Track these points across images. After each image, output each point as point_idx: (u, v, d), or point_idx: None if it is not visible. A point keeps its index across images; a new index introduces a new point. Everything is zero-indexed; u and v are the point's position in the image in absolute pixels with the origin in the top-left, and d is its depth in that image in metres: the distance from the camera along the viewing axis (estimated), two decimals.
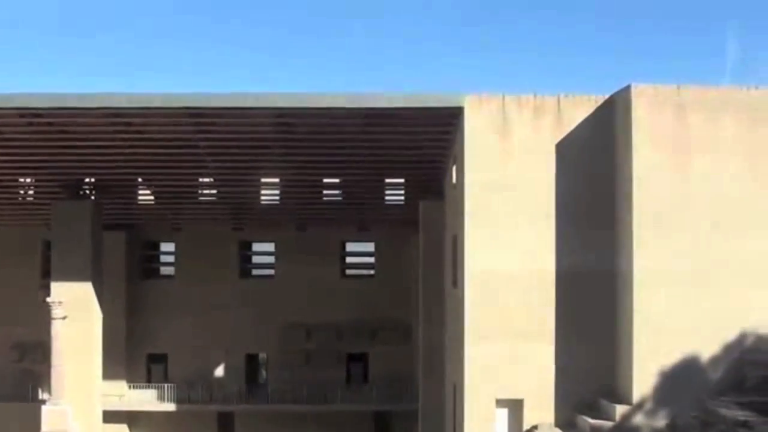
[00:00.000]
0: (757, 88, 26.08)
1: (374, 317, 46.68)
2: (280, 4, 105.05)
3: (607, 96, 27.03)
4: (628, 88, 25.95)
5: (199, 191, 42.06)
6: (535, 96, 27.05)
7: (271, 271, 49.03)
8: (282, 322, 47.04)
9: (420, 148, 32.78)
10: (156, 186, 40.77)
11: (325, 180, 40.13)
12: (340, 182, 40.27)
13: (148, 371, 47.87)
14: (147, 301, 47.21)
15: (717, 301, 25.11)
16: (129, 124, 30.68)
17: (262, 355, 49.61)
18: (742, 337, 25.20)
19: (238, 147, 33.03)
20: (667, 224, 25.26)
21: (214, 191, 41.80)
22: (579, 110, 27.00)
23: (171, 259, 49.05)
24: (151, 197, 42.29)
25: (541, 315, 26.65)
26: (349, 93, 28.04)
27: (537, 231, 26.67)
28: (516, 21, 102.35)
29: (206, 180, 40.18)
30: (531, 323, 26.64)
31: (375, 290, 46.93)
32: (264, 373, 49.94)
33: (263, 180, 40.40)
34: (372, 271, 48.91)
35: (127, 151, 33.42)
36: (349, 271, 49.72)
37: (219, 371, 47.98)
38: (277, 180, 40.25)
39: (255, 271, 50.54)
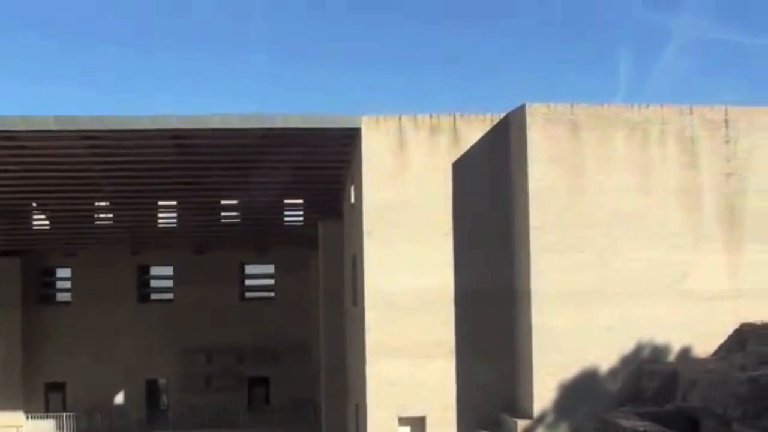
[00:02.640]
0: (648, 106, 26.66)
1: (275, 339, 46.46)
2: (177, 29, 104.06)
3: (502, 115, 27.35)
4: (522, 107, 26.29)
5: (96, 215, 41.34)
6: (431, 116, 27.24)
7: (170, 295, 48.47)
8: (182, 346, 46.56)
9: (318, 168, 32.75)
10: (51, 210, 39.96)
11: (223, 202, 39.81)
12: (238, 204, 39.98)
13: (46, 400, 46.83)
14: (43, 329, 46.24)
15: (614, 315, 25.55)
16: (23, 147, 30.01)
17: (163, 381, 48.95)
18: (639, 349, 25.67)
19: (134, 170, 32.56)
20: (563, 240, 25.60)
21: (110, 215, 41.14)
22: (475, 129, 27.27)
23: (68, 284, 48.17)
24: (46, 222, 41.42)
25: (442, 332, 26.78)
26: (245, 114, 27.83)
27: (436, 249, 26.82)
28: (411, 41, 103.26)
29: (102, 204, 39.52)
30: (431, 341, 26.73)
31: (275, 312, 46.72)
32: (165, 398, 49.25)
33: (160, 203, 39.88)
34: (272, 293, 48.67)
35: (20, 175, 32.68)
36: (248, 294, 49.40)
37: (119, 398, 47.20)
38: (174, 203, 39.78)
39: (153, 295, 49.90)
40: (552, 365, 25.32)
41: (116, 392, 47.17)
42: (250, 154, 31.04)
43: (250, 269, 49.34)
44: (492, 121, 27.37)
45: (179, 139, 29.32)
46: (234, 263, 47.62)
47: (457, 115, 27.36)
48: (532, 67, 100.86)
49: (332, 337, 35.93)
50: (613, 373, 25.54)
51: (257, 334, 46.48)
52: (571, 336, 25.36)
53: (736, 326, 26.00)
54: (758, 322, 25.69)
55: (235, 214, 41.63)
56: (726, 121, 26.82)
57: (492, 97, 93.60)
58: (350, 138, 28.22)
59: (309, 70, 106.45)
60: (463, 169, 27.10)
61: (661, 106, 26.70)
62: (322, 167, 32.60)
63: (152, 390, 48.81)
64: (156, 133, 28.55)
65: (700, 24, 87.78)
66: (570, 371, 25.41)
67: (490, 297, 26.84)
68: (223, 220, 42.11)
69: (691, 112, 26.72)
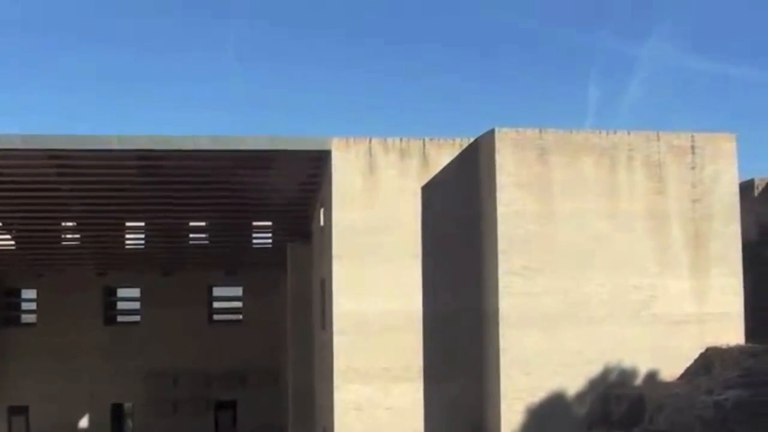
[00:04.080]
0: (615, 132, 26.88)
1: (243, 363, 46.20)
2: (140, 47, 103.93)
3: (471, 139, 27.48)
4: (492, 132, 26.42)
5: (62, 236, 41.04)
6: (401, 139, 27.32)
7: (137, 318, 48.16)
8: (148, 369, 46.18)
9: (288, 190, 32.68)
10: (17, 231, 39.63)
11: (192, 223, 39.64)
12: (207, 225, 39.83)
13: (9, 424, 46.28)
14: (7, 351, 45.77)
15: (582, 338, 25.68)
16: None
17: (128, 405, 48.54)
18: (606, 373, 25.78)
19: (101, 190, 32.36)
20: (531, 264, 25.73)
21: (77, 236, 40.86)
22: (444, 153, 27.36)
23: (33, 306, 47.77)
24: (12, 242, 41.09)
25: (410, 355, 26.75)
26: (215, 135, 27.77)
27: (405, 272, 26.83)
28: (380, 64, 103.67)
29: (69, 224, 39.25)
30: (400, 364, 26.71)
31: (243, 335, 46.49)
32: (130, 422, 48.82)
33: (128, 224, 39.67)
34: (240, 316, 48.48)
35: None
36: (216, 316, 49.17)
37: (83, 422, 46.75)
38: (142, 224, 39.57)
39: (120, 318, 49.55)
40: (520, 389, 25.36)
41: (81, 416, 46.73)
42: (219, 176, 30.95)
43: (218, 291, 49.16)
44: (461, 145, 27.48)
45: (148, 160, 29.20)
46: (202, 285, 47.40)
47: (427, 139, 27.46)
48: (502, 94, 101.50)
49: (301, 360, 35.79)
50: (581, 396, 25.63)
51: (225, 357, 46.23)
52: (538, 359, 25.44)
53: (702, 350, 26.19)
54: (723, 346, 25.91)
55: (203, 235, 41.48)
56: (692, 147, 27.10)
57: (461, 121, 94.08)
58: (320, 160, 28.24)
59: (279, 92, 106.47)
60: (432, 192, 27.16)
61: (629, 133, 26.94)
62: (291, 189, 32.54)
63: (117, 414, 48.35)
64: (124, 153, 28.40)
65: (669, 53, 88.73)
66: (538, 395, 25.47)
67: (459, 320, 26.87)
68: (191, 242, 41.93)
69: (658, 139, 26.97)
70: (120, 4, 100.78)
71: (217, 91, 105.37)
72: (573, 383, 25.61)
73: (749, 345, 26.12)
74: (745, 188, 31.63)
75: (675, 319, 26.24)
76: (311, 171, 29.76)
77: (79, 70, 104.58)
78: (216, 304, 49.48)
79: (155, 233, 40.23)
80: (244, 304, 48.21)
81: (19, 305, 49.07)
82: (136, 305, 48.38)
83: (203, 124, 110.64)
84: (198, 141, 27.73)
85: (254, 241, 42.13)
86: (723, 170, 27.17)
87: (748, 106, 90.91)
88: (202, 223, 39.71)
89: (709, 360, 25.88)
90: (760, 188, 33.65)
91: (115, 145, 27.71)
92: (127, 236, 41.27)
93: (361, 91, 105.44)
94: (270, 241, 41.58)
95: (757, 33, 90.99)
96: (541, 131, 26.42)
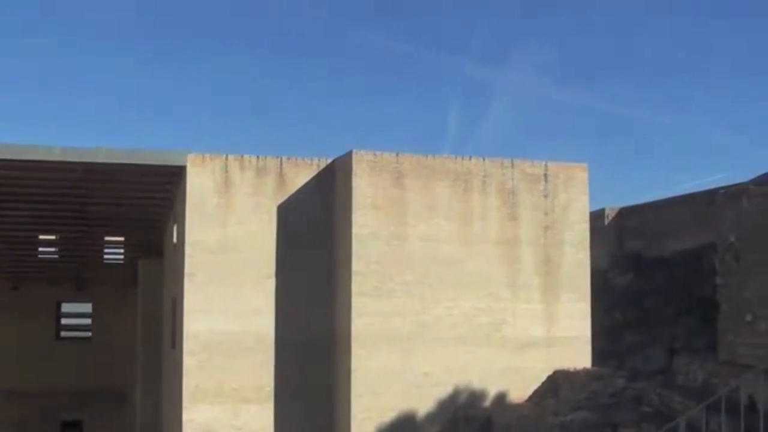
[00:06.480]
0: (470, 158, 27.26)
1: (91, 381, 44.95)
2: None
3: (329, 160, 27.50)
4: (349, 154, 26.49)
5: None
6: (258, 157, 27.15)
7: None
8: None
9: (141, 205, 32.16)
10: None
11: (41, 236, 38.58)
12: (57, 239, 38.83)
13: None
14: None
15: (432, 360, 25.88)
16: None
17: None
18: (456, 394, 26.02)
19: None
20: (384, 285, 25.84)
21: None
22: (301, 173, 27.30)
23: None
24: None
25: (262, 376, 26.51)
26: (66, 147, 26.93)
27: (258, 292, 26.60)
28: (240, 78, 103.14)
29: None
30: (251, 385, 26.43)
31: (92, 353, 45.26)
32: None
33: None
34: (89, 333, 47.31)
35: None
36: (64, 333, 47.83)
37: None
38: None
39: None
40: (370, 409, 25.38)
41: None
42: (70, 188, 30.19)
43: (67, 308, 47.86)
44: (319, 165, 27.48)
45: None
46: (50, 301, 46.07)
47: (284, 158, 27.36)
48: (363, 114, 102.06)
49: (150, 380, 35.18)
50: (431, 417, 25.79)
51: (72, 375, 44.91)
52: (389, 380, 25.52)
53: (550, 373, 26.69)
54: (571, 369, 26.45)
55: (53, 249, 40.42)
56: (545, 175, 27.68)
57: (320, 140, 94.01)
58: (175, 175, 27.82)
59: (137, 107, 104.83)
60: (288, 212, 27.05)
61: (484, 159, 27.34)
62: (145, 204, 32.03)
63: None
64: None
65: (531, 81, 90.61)
66: (388, 415, 25.52)
67: (312, 341, 26.76)
68: (40, 256, 40.82)
69: (513, 166, 27.46)
70: None
71: (69, 102, 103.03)
72: (423, 404, 25.76)
73: (596, 368, 26.77)
74: (597, 217, 32.49)
75: (524, 342, 26.69)
76: (165, 186, 29.30)
77: None
78: (64, 321, 48.13)
79: (3, 245, 39.00)
80: (93, 321, 47.03)
81: None
82: None
83: (55, 136, 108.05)
84: (50, 152, 26.93)
85: (105, 256, 41.31)
86: (575, 199, 27.82)
87: (602, 138, 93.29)
88: (52, 237, 38.73)
89: (557, 382, 26.39)
90: (611, 217, 34.65)
91: None
92: None
93: (220, 107, 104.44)
94: (122, 256, 40.81)
95: (617, 66, 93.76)
96: (397, 155, 26.60)
